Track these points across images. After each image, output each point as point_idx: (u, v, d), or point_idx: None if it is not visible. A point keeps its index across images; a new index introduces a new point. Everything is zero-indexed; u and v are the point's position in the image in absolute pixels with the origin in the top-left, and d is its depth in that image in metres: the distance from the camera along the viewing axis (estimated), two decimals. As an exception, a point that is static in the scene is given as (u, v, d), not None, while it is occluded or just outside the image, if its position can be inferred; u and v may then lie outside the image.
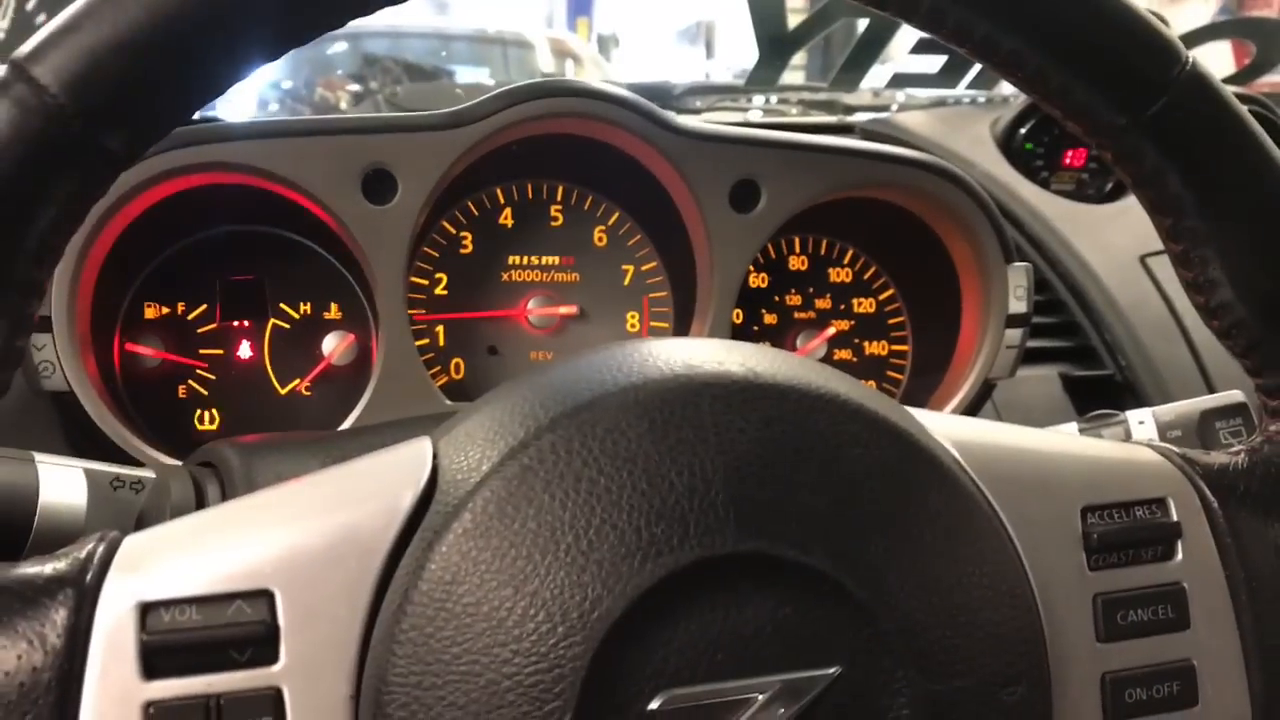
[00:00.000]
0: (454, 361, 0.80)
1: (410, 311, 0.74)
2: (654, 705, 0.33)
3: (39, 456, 0.54)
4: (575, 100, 0.73)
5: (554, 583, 0.33)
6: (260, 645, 0.33)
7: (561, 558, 0.33)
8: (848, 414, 0.37)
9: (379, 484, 0.36)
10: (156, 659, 0.32)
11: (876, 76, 1.24)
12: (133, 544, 0.34)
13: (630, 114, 0.73)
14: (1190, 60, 0.40)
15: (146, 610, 0.33)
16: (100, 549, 0.34)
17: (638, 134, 0.74)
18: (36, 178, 0.32)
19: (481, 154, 0.73)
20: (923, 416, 0.41)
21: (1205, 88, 0.40)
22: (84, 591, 0.33)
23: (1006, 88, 1.18)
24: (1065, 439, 0.48)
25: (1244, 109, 0.41)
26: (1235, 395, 0.59)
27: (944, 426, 0.41)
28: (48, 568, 0.33)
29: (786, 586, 0.34)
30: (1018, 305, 0.78)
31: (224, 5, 0.32)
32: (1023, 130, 1.05)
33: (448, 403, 0.73)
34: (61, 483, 0.54)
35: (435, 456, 0.36)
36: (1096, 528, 0.40)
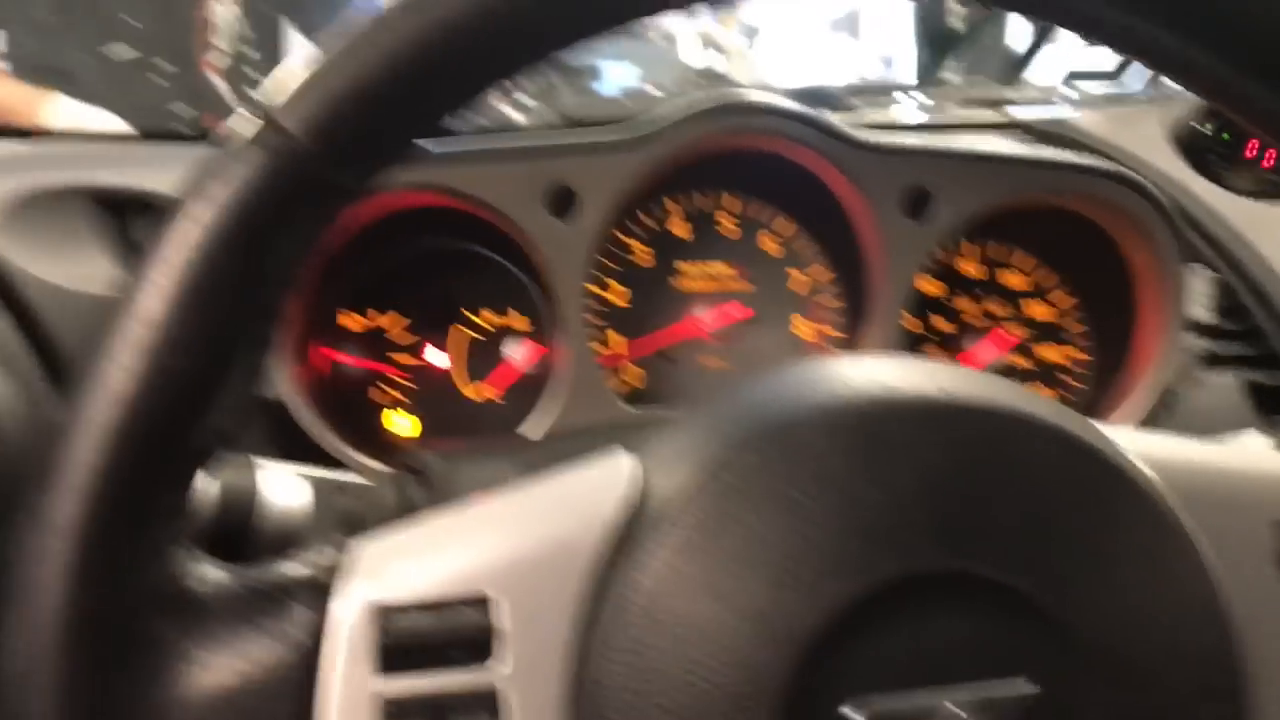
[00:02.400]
0: (630, 367, 0.83)
1: (589, 319, 0.77)
2: (850, 712, 0.34)
3: (268, 464, 0.58)
4: (757, 118, 0.74)
5: (758, 597, 0.34)
6: (483, 648, 0.35)
7: (764, 574, 0.34)
8: (1044, 435, 0.38)
9: (589, 497, 0.38)
10: (390, 658, 0.35)
11: (1046, 71, 1.21)
12: (365, 550, 0.37)
13: (807, 129, 0.74)
14: None
15: (380, 612, 0.35)
16: (337, 554, 0.37)
17: (812, 146, 0.75)
18: (285, 217, 0.34)
19: (660, 170, 0.76)
20: (1115, 434, 0.41)
21: None
22: (324, 593, 0.36)
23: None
24: (1256, 455, 0.48)
25: None
26: None
27: (1137, 444, 0.41)
28: (291, 571, 0.37)
29: (984, 605, 0.35)
30: (1199, 312, 0.76)
31: (442, 54, 0.35)
32: (1201, 127, 1.01)
33: (627, 409, 0.76)
34: (287, 488, 0.58)
35: (640, 470, 0.38)
36: None
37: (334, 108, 0.34)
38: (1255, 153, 0.99)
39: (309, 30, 1.32)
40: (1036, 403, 0.39)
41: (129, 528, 0.34)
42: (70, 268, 0.72)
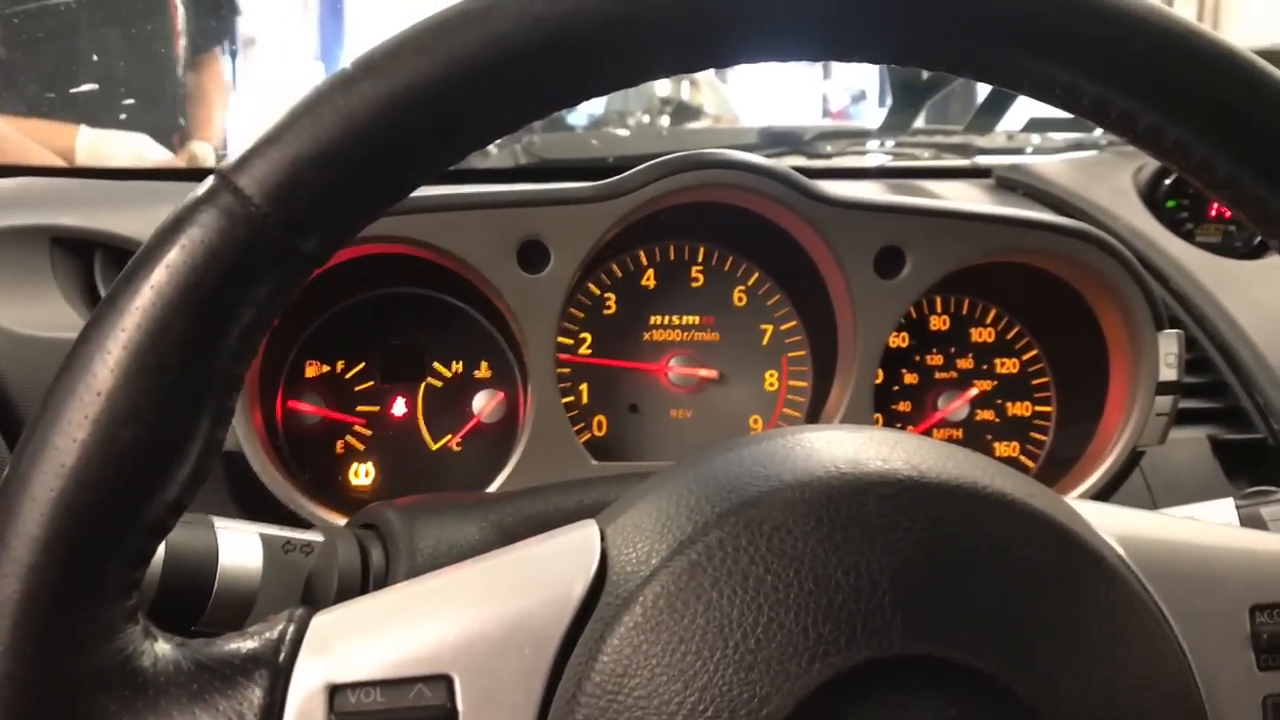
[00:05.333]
0: (597, 419, 0.82)
1: (558, 371, 0.76)
2: None
3: (217, 521, 0.57)
4: (727, 173, 0.74)
5: (723, 679, 0.34)
6: None
7: (730, 655, 0.34)
8: (1013, 513, 0.37)
9: (550, 572, 0.37)
10: None
11: (1011, 118, 1.22)
12: (320, 625, 0.36)
13: (779, 185, 0.74)
14: None
15: (335, 691, 0.34)
16: (291, 629, 0.36)
17: (783, 203, 0.75)
18: (240, 281, 0.33)
19: (630, 223, 0.75)
20: (1087, 510, 0.41)
21: None
22: (278, 672, 0.34)
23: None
24: (1230, 532, 0.48)
25: None
26: (1399, 474, 0.58)
27: (1109, 521, 0.40)
28: (244, 646, 0.35)
29: (953, 688, 0.35)
30: (1168, 373, 0.77)
31: (410, 119, 0.34)
32: (1166, 180, 1.03)
33: (593, 462, 0.75)
34: (238, 547, 0.56)
35: (604, 545, 0.37)
36: (1266, 627, 0.40)
37: (291, 170, 0.33)
38: (1219, 208, 1.01)
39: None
40: (1006, 478, 0.39)
41: (74, 606, 0.32)
42: (30, 312, 0.71)
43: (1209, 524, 0.52)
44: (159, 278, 0.33)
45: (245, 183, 0.33)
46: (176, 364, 0.33)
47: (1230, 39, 0.39)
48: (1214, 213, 1.01)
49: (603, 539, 0.38)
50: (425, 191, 0.72)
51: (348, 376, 0.79)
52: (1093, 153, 1.15)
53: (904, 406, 0.85)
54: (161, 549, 0.53)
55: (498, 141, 1.25)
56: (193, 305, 0.33)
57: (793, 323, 0.84)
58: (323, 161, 0.33)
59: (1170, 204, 1.01)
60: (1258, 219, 0.41)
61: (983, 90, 1.21)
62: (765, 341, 0.84)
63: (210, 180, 0.34)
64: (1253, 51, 0.39)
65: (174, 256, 0.33)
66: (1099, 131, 1.16)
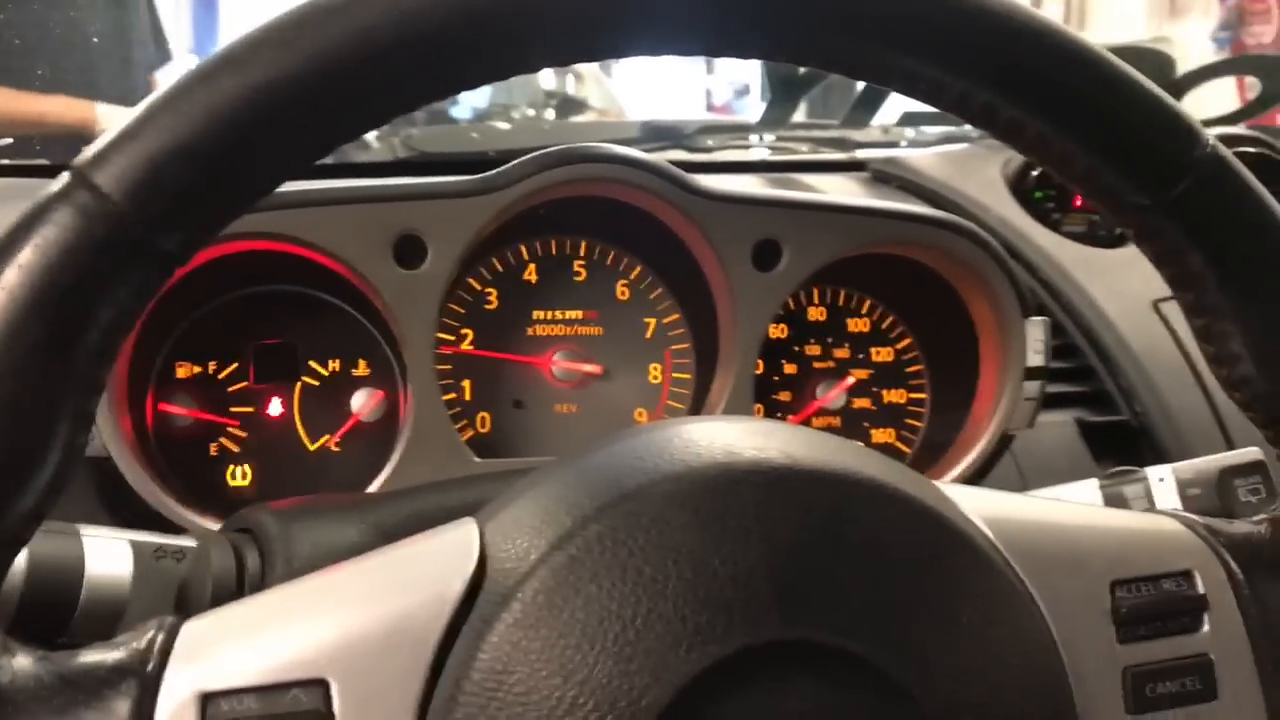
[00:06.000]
0: (480, 416, 0.81)
1: (438, 368, 0.75)
2: None
3: (83, 529, 0.55)
4: (605, 166, 0.74)
5: (602, 672, 0.34)
6: None
7: (609, 647, 0.34)
8: (885, 499, 0.38)
9: (428, 571, 0.37)
10: None
11: (885, 112, 1.25)
12: (191, 632, 0.35)
13: (656, 179, 0.75)
14: (1211, 142, 0.41)
15: (207, 700, 0.33)
16: (160, 637, 0.35)
17: (662, 197, 0.75)
18: (98, 281, 0.32)
19: (509, 217, 0.75)
20: (955, 494, 0.42)
21: (1226, 169, 0.41)
22: (146, 682, 0.34)
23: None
24: (1093, 511, 0.50)
25: (1263, 189, 0.42)
26: (1253, 453, 0.61)
27: (977, 504, 0.42)
28: (109, 657, 0.34)
29: (830, 672, 0.35)
30: (1035, 359, 0.79)
31: (273, 114, 0.33)
32: (1034, 172, 1.06)
33: (475, 460, 0.75)
34: (106, 555, 0.54)
35: (482, 543, 0.37)
36: (1125, 601, 0.41)
37: (150, 166, 0.32)
38: (1085, 201, 1.04)
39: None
40: (878, 465, 0.40)
41: None
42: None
43: (1072, 504, 0.54)
44: (10, 278, 0.31)
45: (102, 179, 0.32)
46: (31, 368, 0.32)
47: (1096, 37, 0.40)
48: (1080, 203, 1.04)
49: (481, 536, 0.37)
50: (298, 186, 0.71)
51: (220, 377, 0.77)
52: (964, 146, 1.18)
53: (784, 396, 0.86)
54: (24, 559, 0.51)
55: (376, 134, 1.23)
56: (48, 307, 0.32)
57: (675, 315, 0.85)
58: (183, 157, 0.32)
59: (1038, 195, 1.04)
60: (1113, 209, 0.42)
61: (859, 85, 1.24)
62: (649, 335, 0.84)
63: (65, 176, 0.33)
64: (1109, 48, 0.41)
65: (27, 256, 0.32)
66: (969, 126, 1.19)
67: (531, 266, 0.82)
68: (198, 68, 0.33)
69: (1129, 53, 0.49)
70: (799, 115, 1.23)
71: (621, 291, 0.84)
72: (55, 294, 0.32)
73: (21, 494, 0.32)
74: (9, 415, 0.32)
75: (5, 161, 1.01)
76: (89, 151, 0.33)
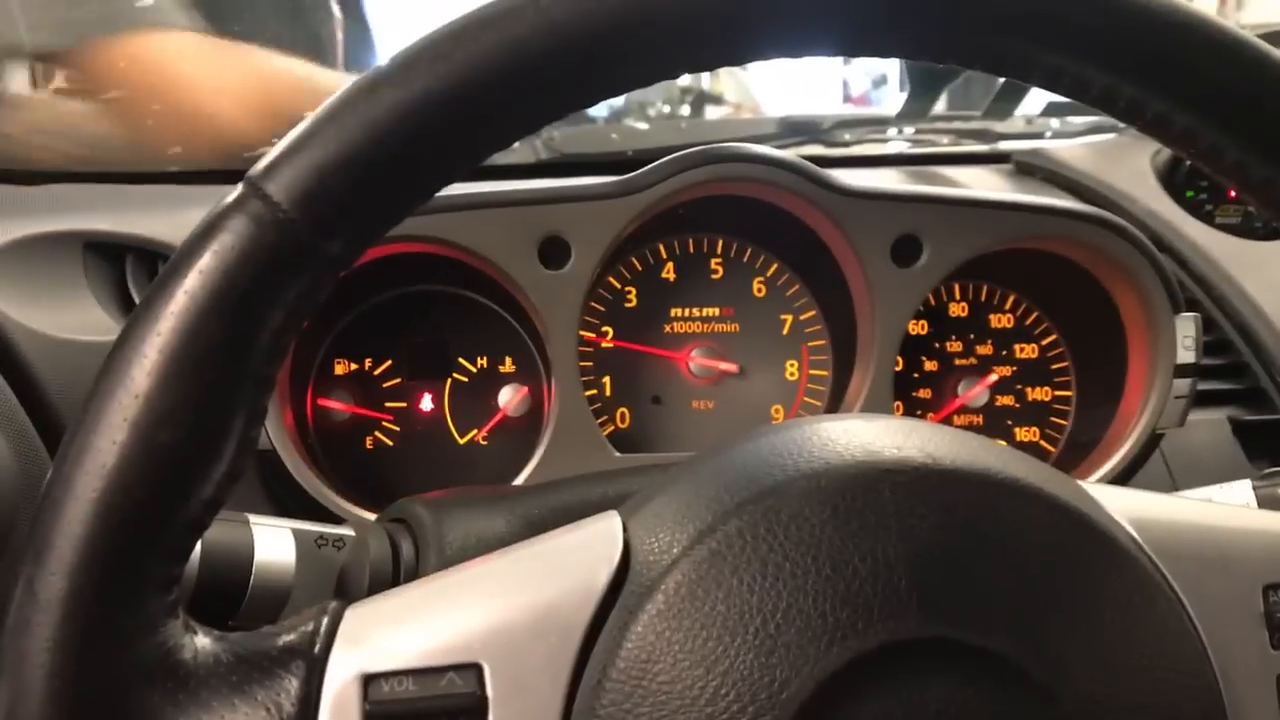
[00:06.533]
0: (620, 411, 0.83)
1: (581, 365, 0.77)
2: None
3: (252, 518, 0.58)
4: (742, 166, 0.75)
5: (744, 664, 0.35)
6: (470, 715, 0.35)
7: (750, 640, 0.35)
8: (1026, 498, 0.38)
9: (575, 563, 0.38)
10: None
11: (1030, 102, 1.22)
12: (354, 617, 0.37)
13: (795, 177, 0.75)
14: None
15: (369, 681, 0.35)
16: (325, 622, 0.37)
17: (800, 194, 0.76)
18: (270, 284, 0.34)
19: (648, 217, 0.76)
20: (1100, 493, 0.41)
21: None
22: (314, 663, 0.36)
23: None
24: (1244, 513, 0.48)
25: None
26: None
27: (1122, 504, 0.41)
28: (280, 639, 0.36)
29: (969, 670, 0.35)
30: (1186, 355, 0.77)
31: (430, 124, 0.35)
32: (1185, 163, 1.02)
33: (616, 454, 0.76)
34: (273, 543, 0.57)
35: (626, 536, 0.38)
36: (1279, 606, 0.40)
37: (317, 174, 0.34)
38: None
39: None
40: (1019, 463, 0.40)
41: (117, 602, 0.34)
42: (64, 316, 0.72)
43: (1222, 505, 0.53)
44: (192, 283, 0.34)
45: (273, 189, 0.34)
46: (210, 366, 0.34)
47: (1254, 17, 0.39)
48: (1234, 194, 1.00)
49: (625, 530, 0.39)
50: (448, 190, 0.73)
51: (376, 374, 0.81)
52: (1111, 136, 1.14)
53: (924, 393, 0.86)
54: (199, 545, 0.54)
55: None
56: (225, 309, 0.34)
57: (811, 312, 0.85)
58: (347, 167, 0.34)
59: (1189, 183, 1.01)
60: (1267, 202, 0.41)
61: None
62: (785, 331, 0.85)
63: (240, 187, 0.35)
64: (1259, 33, 0.39)
65: (206, 262, 0.34)
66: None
67: (670, 265, 0.84)
68: (360, 81, 0.35)
69: (1276, 37, 0.47)
70: (939, 106, 1.21)
71: (758, 288, 0.85)
72: (232, 297, 0.34)
73: (203, 483, 0.35)
74: (192, 410, 0.34)
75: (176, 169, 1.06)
76: (261, 163, 0.35)
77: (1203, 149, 0.40)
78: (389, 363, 0.81)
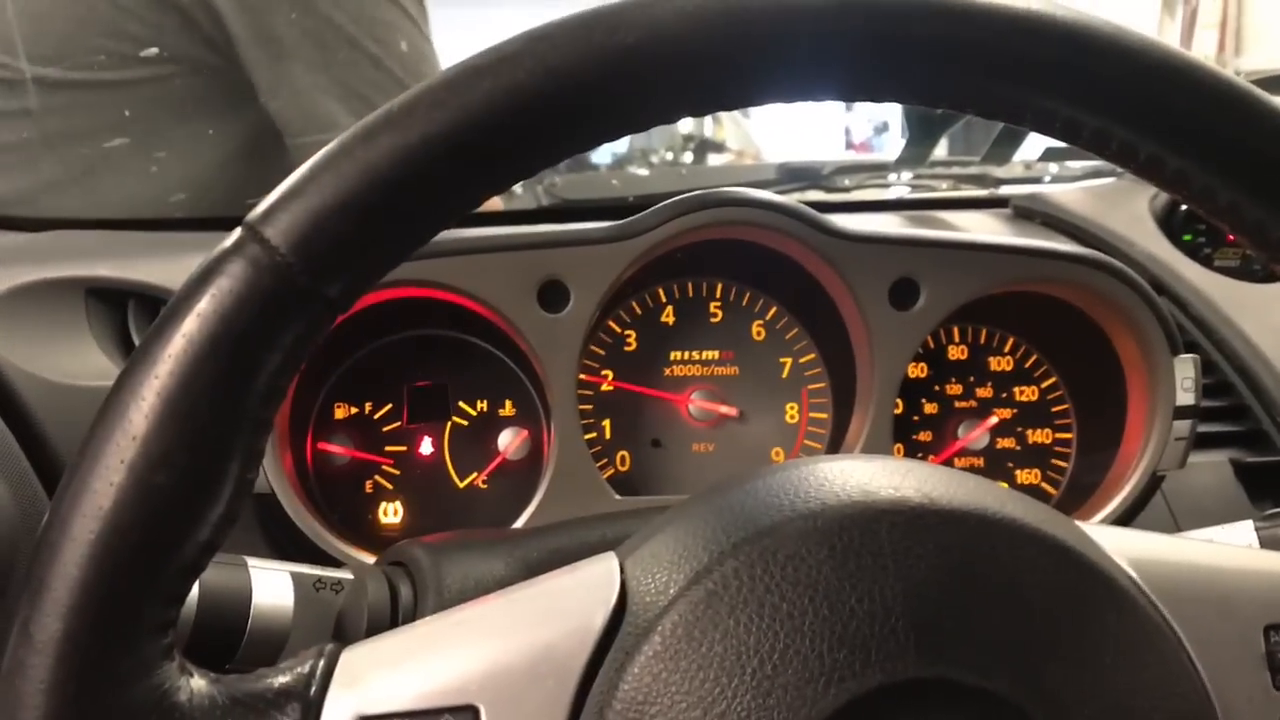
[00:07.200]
0: (620, 454, 0.83)
1: (580, 408, 0.77)
2: None
3: (250, 561, 0.58)
4: (740, 210, 0.75)
5: (741, 705, 0.34)
6: None
7: (748, 681, 0.35)
8: (1024, 538, 0.38)
9: (572, 604, 0.38)
10: None
11: (1028, 147, 1.23)
12: (350, 659, 0.37)
13: (792, 221, 0.76)
14: None
15: None
16: (321, 664, 0.37)
17: (798, 238, 0.76)
18: (267, 327, 0.35)
19: (647, 261, 0.77)
20: (1098, 534, 0.41)
21: None
22: (309, 704, 0.36)
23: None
24: (1244, 554, 0.48)
25: None
26: None
27: (1120, 544, 0.41)
28: (276, 681, 0.36)
29: (968, 711, 0.35)
30: (1185, 397, 0.77)
31: (427, 169, 0.35)
32: (1183, 206, 1.03)
33: (615, 497, 0.76)
34: (271, 585, 0.57)
35: (623, 577, 0.38)
36: None
37: (314, 219, 0.34)
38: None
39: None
40: (1016, 504, 0.40)
41: (113, 644, 0.33)
42: (67, 362, 0.73)
43: (1223, 546, 0.52)
44: (190, 326, 0.34)
45: (271, 233, 0.34)
46: (207, 409, 0.34)
47: (1253, 63, 0.39)
48: (1232, 237, 1.01)
49: (622, 571, 0.39)
50: (447, 234, 0.74)
51: (375, 417, 0.81)
52: (1109, 180, 1.15)
53: (924, 436, 0.86)
54: (196, 588, 0.54)
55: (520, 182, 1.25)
56: (222, 352, 0.34)
57: (811, 355, 0.85)
58: (344, 211, 0.34)
59: (1187, 230, 1.01)
60: (1260, 244, 0.41)
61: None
62: (785, 374, 0.85)
63: (238, 231, 0.35)
64: (1259, 79, 0.40)
65: (204, 305, 0.34)
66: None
67: (669, 308, 0.84)
68: (358, 127, 0.35)
69: (1272, 82, 0.47)
70: (939, 151, 1.22)
71: (758, 331, 0.85)
72: (229, 340, 0.34)
73: (200, 526, 0.35)
74: (188, 452, 0.34)
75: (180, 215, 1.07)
76: (260, 207, 0.35)
77: (1195, 191, 0.40)
78: (389, 406, 0.81)
